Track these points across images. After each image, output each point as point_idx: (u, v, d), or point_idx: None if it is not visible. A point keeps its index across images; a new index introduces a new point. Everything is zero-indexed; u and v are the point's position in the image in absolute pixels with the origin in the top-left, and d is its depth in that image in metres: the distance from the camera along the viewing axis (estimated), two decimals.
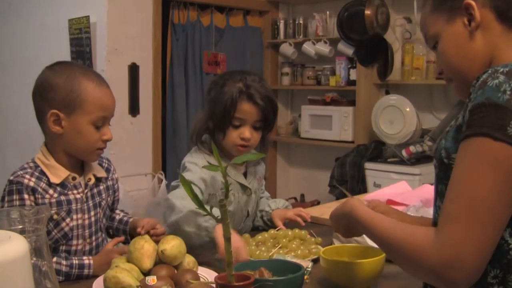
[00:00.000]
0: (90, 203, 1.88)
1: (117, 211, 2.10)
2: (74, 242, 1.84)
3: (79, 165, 1.90)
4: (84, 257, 1.80)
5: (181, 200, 1.95)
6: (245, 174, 2.24)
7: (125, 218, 2.06)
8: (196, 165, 2.08)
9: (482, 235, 1.11)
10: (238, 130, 2.09)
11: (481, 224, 1.11)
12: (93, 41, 4.17)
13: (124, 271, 1.53)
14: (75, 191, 1.84)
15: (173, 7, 4.62)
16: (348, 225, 1.51)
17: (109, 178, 1.99)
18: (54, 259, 1.74)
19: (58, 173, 1.81)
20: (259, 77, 2.16)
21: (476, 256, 1.11)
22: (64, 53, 4.32)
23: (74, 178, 1.84)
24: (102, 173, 1.95)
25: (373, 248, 1.68)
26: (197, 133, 2.16)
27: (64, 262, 1.75)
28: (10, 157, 4.91)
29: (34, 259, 1.14)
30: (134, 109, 4.25)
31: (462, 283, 1.13)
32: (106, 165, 2.01)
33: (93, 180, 1.89)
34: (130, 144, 4.24)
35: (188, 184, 1.26)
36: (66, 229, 1.81)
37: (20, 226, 1.14)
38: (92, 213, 1.89)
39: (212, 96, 2.14)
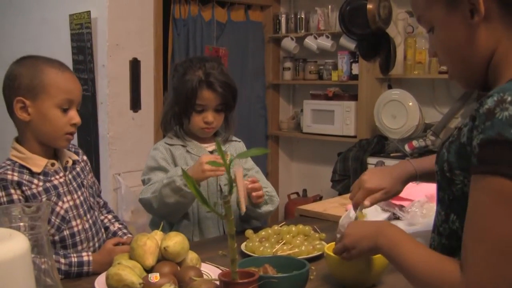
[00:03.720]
0: (75, 184, 1.93)
1: (110, 217, 2.11)
2: (74, 223, 1.88)
3: (53, 153, 1.93)
4: (84, 254, 1.80)
5: (148, 192, 2.17)
6: (213, 152, 2.34)
7: (119, 233, 2.06)
8: (156, 150, 2.31)
9: (509, 275, 1.10)
10: (201, 114, 2.26)
11: (509, 265, 1.09)
12: (94, 36, 4.15)
13: (126, 268, 1.51)
14: (57, 176, 1.89)
15: (174, 1, 4.60)
16: (366, 251, 1.47)
17: (80, 160, 2.03)
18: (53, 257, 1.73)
19: (37, 162, 1.85)
20: (218, 63, 2.31)
21: None
22: (65, 49, 4.30)
23: (53, 164, 1.88)
24: (74, 157, 1.99)
25: None
26: (164, 116, 2.37)
27: (63, 260, 1.76)
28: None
29: (35, 256, 1.13)
30: (135, 104, 4.24)
31: None
32: (73, 149, 2.04)
33: (70, 162, 1.94)
34: (131, 139, 4.23)
35: (190, 178, 1.32)
36: (62, 212, 1.85)
37: (21, 223, 1.13)
38: (79, 192, 1.94)
39: (175, 83, 2.32)
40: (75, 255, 1.79)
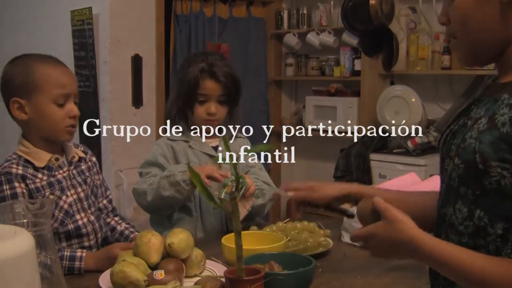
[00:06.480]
0: (79, 179, 1.94)
1: (117, 219, 2.10)
2: (78, 216, 1.89)
3: (60, 149, 1.94)
4: (78, 250, 1.81)
5: (145, 183, 2.17)
6: (216, 148, 2.35)
7: (126, 232, 2.06)
8: (157, 145, 2.32)
9: None
10: (204, 105, 2.27)
11: None
12: (96, 33, 4.14)
13: (131, 265, 1.51)
14: (61, 171, 1.90)
15: None
16: (395, 252, 1.29)
17: (87, 160, 2.04)
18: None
19: (41, 157, 1.86)
20: (221, 56, 2.36)
21: None
22: (66, 45, 4.29)
23: (57, 159, 1.89)
24: (81, 154, 2.01)
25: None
26: (168, 111, 2.37)
27: None
28: (12, 150, 4.88)
29: (39, 253, 1.13)
30: (137, 100, 4.22)
31: None
32: (82, 149, 2.05)
33: (76, 157, 1.96)
34: (133, 136, 4.22)
35: (196, 175, 1.34)
36: (66, 206, 1.86)
37: (25, 220, 1.13)
38: (84, 187, 1.94)
39: (179, 77, 2.36)
40: (69, 250, 1.80)
